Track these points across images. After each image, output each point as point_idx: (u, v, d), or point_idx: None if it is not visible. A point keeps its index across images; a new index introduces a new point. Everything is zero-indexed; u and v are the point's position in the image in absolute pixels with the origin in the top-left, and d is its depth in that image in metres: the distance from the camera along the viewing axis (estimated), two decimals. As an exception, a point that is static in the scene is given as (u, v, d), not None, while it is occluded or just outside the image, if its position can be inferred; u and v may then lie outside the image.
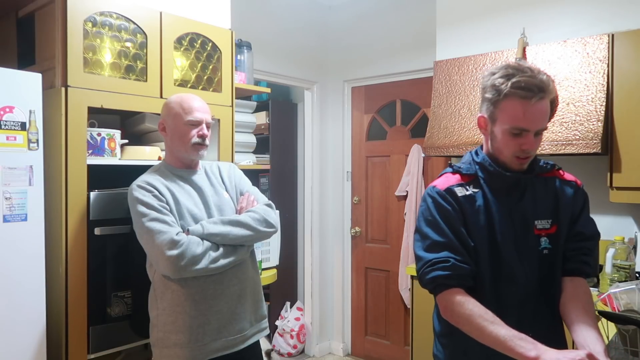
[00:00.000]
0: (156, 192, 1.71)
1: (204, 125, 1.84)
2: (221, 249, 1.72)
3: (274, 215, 1.89)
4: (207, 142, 1.86)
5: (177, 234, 1.64)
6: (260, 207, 1.88)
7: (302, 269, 4.24)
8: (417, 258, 1.37)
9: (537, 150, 1.38)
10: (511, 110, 1.30)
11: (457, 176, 1.43)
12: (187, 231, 1.70)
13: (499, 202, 1.38)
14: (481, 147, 1.48)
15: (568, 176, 1.49)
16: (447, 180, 1.42)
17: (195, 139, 1.81)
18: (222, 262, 1.71)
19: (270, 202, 1.93)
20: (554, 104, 1.38)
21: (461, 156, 2.88)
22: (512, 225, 1.37)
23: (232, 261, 1.75)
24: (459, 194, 1.38)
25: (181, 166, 1.87)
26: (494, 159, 1.40)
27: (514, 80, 1.28)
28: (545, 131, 1.36)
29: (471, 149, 1.50)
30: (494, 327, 1.21)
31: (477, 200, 1.38)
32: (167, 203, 1.72)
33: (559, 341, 1.42)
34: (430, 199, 1.39)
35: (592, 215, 1.49)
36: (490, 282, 1.35)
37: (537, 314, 1.38)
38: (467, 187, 1.40)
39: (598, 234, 1.47)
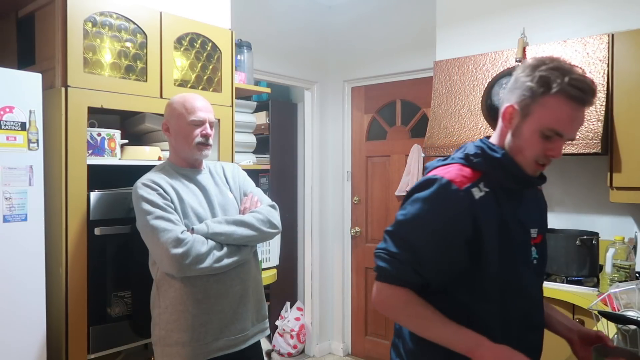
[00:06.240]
0: (161, 191, 1.71)
1: (207, 125, 1.84)
2: (225, 249, 1.72)
3: (278, 217, 1.90)
4: (211, 141, 1.86)
5: (182, 232, 1.65)
6: (264, 207, 1.88)
7: (302, 269, 4.23)
8: (385, 237, 1.21)
9: None
10: (556, 109, 1.13)
11: (469, 171, 1.21)
12: (191, 230, 1.70)
13: (508, 206, 1.22)
14: (487, 137, 1.28)
15: None
16: (461, 175, 1.19)
17: (199, 139, 1.81)
18: (226, 261, 1.71)
19: (273, 203, 1.94)
20: None
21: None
22: (518, 232, 1.24)
23: (236, 261, 1.75)
24: (476, 196, 1.17)
25: (185, 166, 1.87)
26: (509, 157, 1.21)
27: (572, 76, 1.11)
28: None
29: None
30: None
31: (491, 202, 1.19)
32: (172, 201, 1.72)
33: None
34: (439, 198, 1.17)
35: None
36: (498, 294, 1.21)
37: (535, 326, 1.30)
38: (480, 185, 1.19)
39: None
